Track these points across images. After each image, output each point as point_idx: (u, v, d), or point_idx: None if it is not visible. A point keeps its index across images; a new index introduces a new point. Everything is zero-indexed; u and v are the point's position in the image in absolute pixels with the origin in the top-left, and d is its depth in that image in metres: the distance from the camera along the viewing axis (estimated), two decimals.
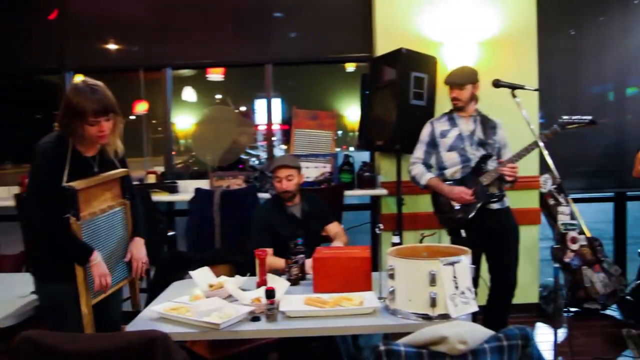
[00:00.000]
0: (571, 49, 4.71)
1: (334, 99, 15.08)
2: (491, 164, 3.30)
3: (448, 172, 3.35)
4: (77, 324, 2.21)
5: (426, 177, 3.35)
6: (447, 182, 3.33)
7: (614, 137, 4.69)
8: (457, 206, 3.28)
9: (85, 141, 2.30)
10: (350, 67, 7.47)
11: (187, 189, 4.36)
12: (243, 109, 14.75)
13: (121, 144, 2.46)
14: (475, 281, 3.17)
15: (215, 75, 7.69)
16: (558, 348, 3.62)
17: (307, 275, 2.73)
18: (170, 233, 4.38)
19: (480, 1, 4.25)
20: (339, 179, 4.28)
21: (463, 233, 3.19)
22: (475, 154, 3.31)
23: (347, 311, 2.19)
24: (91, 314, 2.24)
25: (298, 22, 4.69)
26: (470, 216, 3.24)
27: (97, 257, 2.25)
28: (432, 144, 3.40)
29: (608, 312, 4.34)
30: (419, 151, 3.43)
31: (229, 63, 5.09)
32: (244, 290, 2.49)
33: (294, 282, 2.66)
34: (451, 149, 3.33)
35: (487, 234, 3.28)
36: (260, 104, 10.26)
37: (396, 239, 2.44)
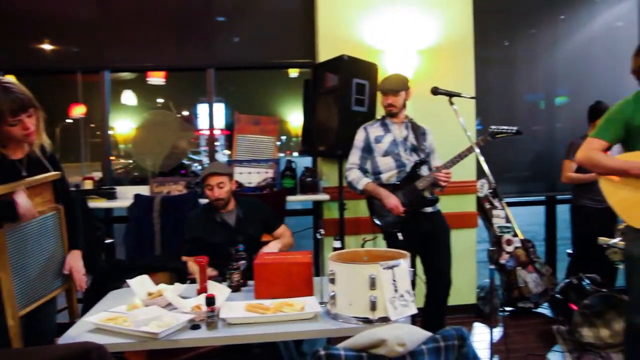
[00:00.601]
0: (505, 60, 4.90)
1: (278, 104, 15.10)
2: (424, 169, 3.40)
3: (384, 177, 3.42)
4: (2, 338, 2.10)
5: (363, 181, 3.40)
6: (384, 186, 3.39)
7: (545, 144, 4.92)
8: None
9: (11, 143, 2.20)
10: (293, 72, 7.50)
11: (126, 195, 4.24)
12: (185, 113, 14.52)
13: (47, 138, 2.36)
14: (413, 283, 3.25)
15: (156, 79, 7.54)
16: (494, 346, 3.75)
17: (248, 281, 2.71)
18: (108, 240, 4.24)
19: (419, 11, 4.37)
20: (282, 185, 4.28)
21: (400, 236, 3.27)
22: (409, 158, 3.41)
23: (288, 317, 2.19)
24: (18, 326, 2.14)
25: (241, 26, 4.66)
26: (405, 219, 3.32)
27: None
28: (367, 149, 3.46)
29: (540, 310, 4.54)
30: (354, 157, 3.48)
31: (170, 67, 4.98)
32: (184, 298, 2.45)
33: (236, 288, 2.64)
34: (386, 154, 3.41)
35: (420, 236, 3.38)
36: (202, 109, 10.13)
37: (337, 244, 2.47)
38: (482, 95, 4.64)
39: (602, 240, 3.89)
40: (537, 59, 4.91)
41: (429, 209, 3.42)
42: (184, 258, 3.17)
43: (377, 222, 3.43)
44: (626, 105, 2.65)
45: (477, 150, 3.00)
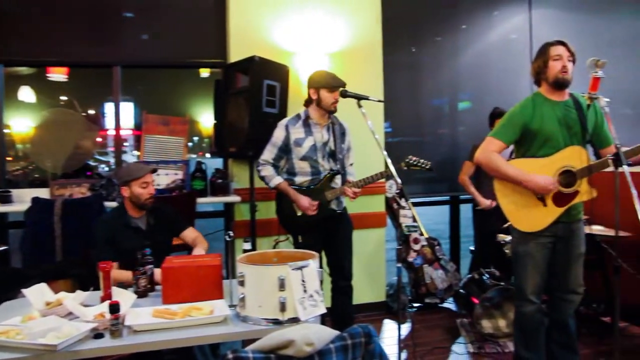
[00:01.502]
0: (413, 65, 5.09)
1: (189, 104, 14.75)
2: (336, 181, 3.46)
3: (298, 180, 3.43)
4: None
5: (276, 180, 3.40)
6: (294, 188, 3.42)
7: (449, 147, 5.17)
8: (299, 213, 3.40)
9: None
10: (204, 72, 7.36)
11: (23, 199, 3.97)
12: (92, 112, 13.83)
13: None
14: (321, 283, 3.30)
15: (58, 75, 7.13)
16: (402, 342, 3.89)
17: (156, 286, 2.63)
18: (1, 248, 3.95)
19: (329, 15, 4.45)
20: (192, 186, 4.19)
21: (300, 239, 3.39)
22: (325, 166, 3.43)
23: (197, 321, 2.15)
24: None
25: (150, 23, 4.50)
26: (312, 223, 3.38)
27: None
28: (285, 149, 3.43)
29: (446, 305, 4.76)
30: (270, 153, 3.43)
31: (73, 63, 4.71)
32: (86, 306, 2.34)
33: (142, 294, 2.56)
34: (304, 158, 3.40)
35: (326, 235, 3.46)
36: (109, 108, 9.71)
37: (247, 246, 2.45)
38: (391, 99, 4.80)
39: (501, 237, 4.15)
40: (442, 66, 5.14)
41: (337, 209, 3.48)
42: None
43: (284, 222, 3.49)
44: (525, 109, 2.86)
45: (385, 153, 3.06)
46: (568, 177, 2.77)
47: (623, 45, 5.97)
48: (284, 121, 3.46)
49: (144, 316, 2.19)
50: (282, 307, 2.10)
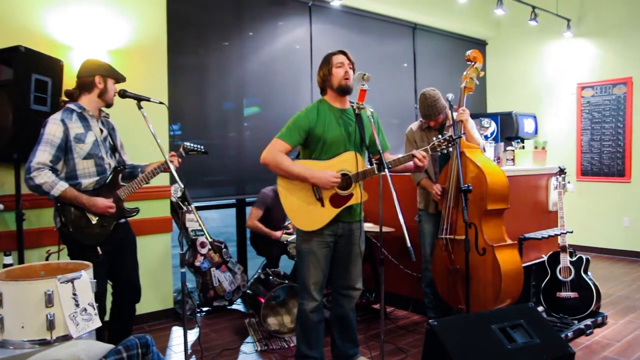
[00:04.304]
0: (201, 68, 5.04)
1: None
2: (121, 178, 3.22)
3: (84, 184, 3.01)
4: None
5: (60, 187, 2.88)
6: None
7: (237, 150, 5.26)
8: (94, 220, 3.01)
9: None
10: None
11: None
12: None
13: None
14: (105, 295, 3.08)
15: None
16: (191, 347, 3.85)
17: None
18: None
19: (110, 10, 4.19)
20: None
21: (99, 250, 2.98)
22: (110, 163, 3.14)
23: None
24: None
25: None
26: (109, 230, 3.05)
27: None
28: (64, 149, 2.95)
29: (234, 306, 4.84)
30: (45, 154, 2.86)
31: None
32: None
33: None
34: (89, 156, 3.01)
35: (114, 246, 3.14)
36: None
37: (8, 260, 2.19)
38: (178, 102, 4.71)
39: (284, 237, 4.37)
40: (230, 70, 5.20)
41: (122, 219, 3.20)
42: None
43: (76, 234, 2.97)
44: (310, 113, 3.06)
45: (167, 157, 2.97)
46: (345, 180, 3.03)
47: (389, 64, 6.78)
48: (56, 116, 2.97)
49: None
50: (51, 325, 1.91)
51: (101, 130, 3.12)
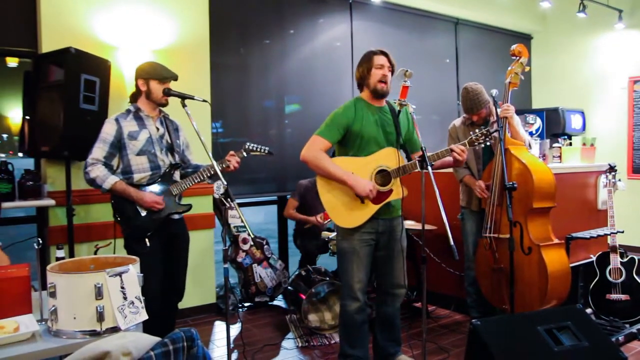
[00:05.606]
0: (242, 66, 5.09)
1: None
2: (177, 174, 3.29)
3: (136, 178, 3.13)
4: None
5: (111, 180, 3.04)
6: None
7: (278, 148, 5.29)
8: (143, 213, 3.11)
9: None
10: (12, 62, 6.60)
11: None
12: None
13: None
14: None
15: None
16: (233, 342, 3.90)
17: None
18: None
19: (155, 10, 4.28)
20: None
21: (147, 242, 3.08)
22: (164, 160, 3.20)
23: None
24: None
25: None
26: (157, 224, 3.13)
27: None
28: (117, 146, 3.11)
29: (276, 302, 4.88)
30: (100, 151, 3.06)
31: None
32: None
33: None
34: (141, 152, 3.12)
35: (166, 241, 3.23)
36: None
37: (60, 253, 2.27)
38: (220, 100, 4.78)
39: (325, 234, 4.37)
40: (271, 68, 5.24)
41: (175, 215, 3.26)
42: None
43: (126, 226, 3.13)
44: (347, 111, 3.05)
45: (210, 155, 3.01)
46: (383, 176, 3.01)
47: (431, 60, 6.69)
48: (112, 116, 3.17)
49: None
50: (100, 317, 1.97)
51: (157, 129, 3.22)
